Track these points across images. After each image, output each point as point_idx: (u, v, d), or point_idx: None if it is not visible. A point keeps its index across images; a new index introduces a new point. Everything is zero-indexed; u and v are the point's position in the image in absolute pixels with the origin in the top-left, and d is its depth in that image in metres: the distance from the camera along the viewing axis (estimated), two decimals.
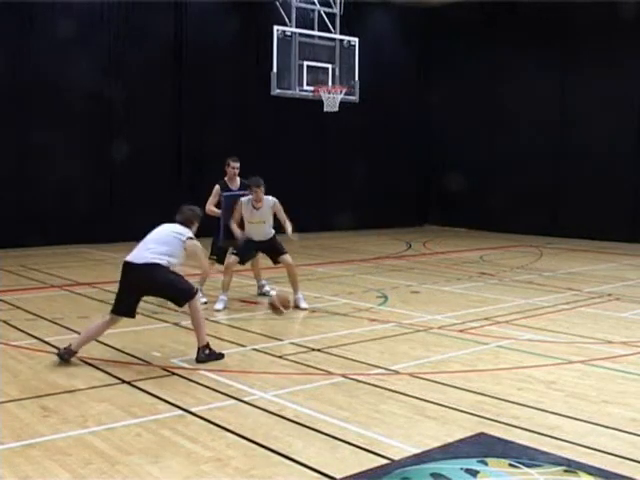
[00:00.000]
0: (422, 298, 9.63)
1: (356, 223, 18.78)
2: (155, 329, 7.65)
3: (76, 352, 6.25)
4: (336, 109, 14.00)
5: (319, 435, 4.63)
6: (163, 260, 6.23)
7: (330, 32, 14.36)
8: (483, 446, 4.42)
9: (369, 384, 5.74)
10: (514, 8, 18.27)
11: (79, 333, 6.69)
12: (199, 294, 9.02)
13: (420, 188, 20.78)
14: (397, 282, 10.81)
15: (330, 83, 13.97)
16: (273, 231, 8.90)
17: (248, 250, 8.82)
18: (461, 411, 5.10)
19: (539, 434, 4.66)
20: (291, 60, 13.47)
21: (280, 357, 6.55)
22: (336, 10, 14.62)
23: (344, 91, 14.00)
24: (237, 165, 9.35)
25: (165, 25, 16.14)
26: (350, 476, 4.01)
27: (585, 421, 4.95)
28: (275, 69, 13.25)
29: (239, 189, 9.29)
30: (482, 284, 10.74)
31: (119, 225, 14.90)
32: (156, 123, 16.03)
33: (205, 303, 8.95)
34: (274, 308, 8.16)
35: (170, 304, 6.83)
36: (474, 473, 4.00)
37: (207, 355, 6.32)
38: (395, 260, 13.52)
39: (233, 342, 7.10)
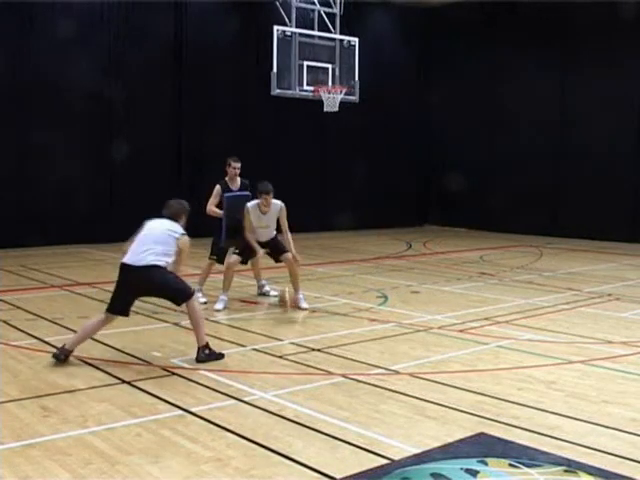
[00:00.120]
0: (422, 298, 9.63)
1: (356, 223, 18.78)
2: (155, 329, 7.65)
3: (71, 351, 6.25)
4: (336, 109, 14.00)
5: (319, 435, 4.63)
6: (161, 262, 6.24)
7: (330, 32, 14.36)
8: (483, 446, 4.42)
9: (369, 384, 5.74)
10: (514, 8, 18.28)
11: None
12: (197, 294, 9.08)
13: (420, 188, 20.78)
14: (397, 282, 10.81)
15: (330, 83, 13.96)
16: (275, 231, 8.89)
17: (249, 250, 8.80)
18: (461, 411, 5.10)
19: (539, 434, 4.66)
20: (291, 60, 13.47)
21: (280, 357, 6.55)
22: (336, 10, 14.62)
23: (344, 91, 14.00)
24: (238, 165, 9.33)
25: (165, 25, 16.15)
26: (350, 476, 4.01)
27: (585, 421, 4.95)
28: (275, 69, 13.25)
29: (239, 189, 9.28)
30: (482, 284, 10.74)
31: (119, 225, 14.83)
32: (156, 123, 16.03)
33: (205, 303, 8.96)
34: (283, 301, 8.36)
35: (169, 303, 6.83)
36: (474, 473, 4.00)
37: (207, 355, 6.32)
38: (395, 260, 13.52)
39: (233, 342, 7.10)
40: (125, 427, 4.74)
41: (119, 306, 6.33)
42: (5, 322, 7.82)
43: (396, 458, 4.25)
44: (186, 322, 7.75)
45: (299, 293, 8.82)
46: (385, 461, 4.21)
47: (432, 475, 3.98)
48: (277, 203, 8.61)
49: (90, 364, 6.24)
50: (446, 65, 20.15)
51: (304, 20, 14.31)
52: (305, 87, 13.67)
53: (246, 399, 5.34)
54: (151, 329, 7.61)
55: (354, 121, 17.97)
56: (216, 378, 5.86)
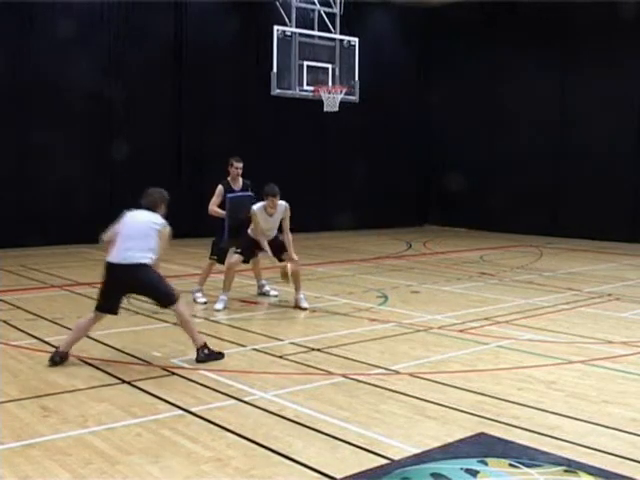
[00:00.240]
0: (422, 298, 9.63)
1: (356, 223, 18.78)
2: (155, 329, 7.65)
3: (67, 352, 6.23)
4: (336, 109, 14.00)
5: (319, 435, 4.63)
6: (147, 259, 6.18)
7: (330, 32, 14.36)
8: (483, 446, 4.42)
9: (369, 384, 5.74)
10: (514, 8, 18.28)
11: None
12: (196, 295, 9.08)
13: (420, 188, 20.78)
14: (397, 282, 10.81)
15: (330, 83, 13.96)
16: (276, 231, 8.89)
17: (251, 249, 8.80)
18: (461, 411, 5.10)
19: (539, 434, 4.66)
20: (291, 60, 13.46)
21: (280, 357, 6.55)
22: (336, 10, 14.62)
23: (344, 91, 14.00)
24: (240, 165, 9.32)
25: (165, 25, 16.15)
26: (350, 476, 4.01)
27: (585, 421, 4.95)
28: (275, 69, 13.25)
29: (241, 190, 9.28)
30: (482, 284, 10.74)
31: None
32: (156, 123, 16.03)
33: (205, 303, 8.96)
34: (285, 275, 8.49)
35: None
36: (474, 473, 4.00)
37: (207, 355, 6.31)
38: (395, 260, 13.52)
39: (233, 342, 7.10)
40: (125, 427, 4.74)
41: (108, 305, 6.29)
42: (5, 322, 7.82)
43: (396, 458, 4.25)
44: None
45: (300, 293, 8.82)
46: (385, 461, 4.21)
47: (432, 475, 3.98)
48: (282, 204, 8.61)
49: (90, 364, 6.24)
50: (446, 65, 20.14)
51: (304, 20, 14.31)
52: (305, 87, 13.67)
53: (246, 399, 5.33)
54: (151, 329, 7.61)
55: (354, 121, 17.97)
56: (216, 378, 5.85)
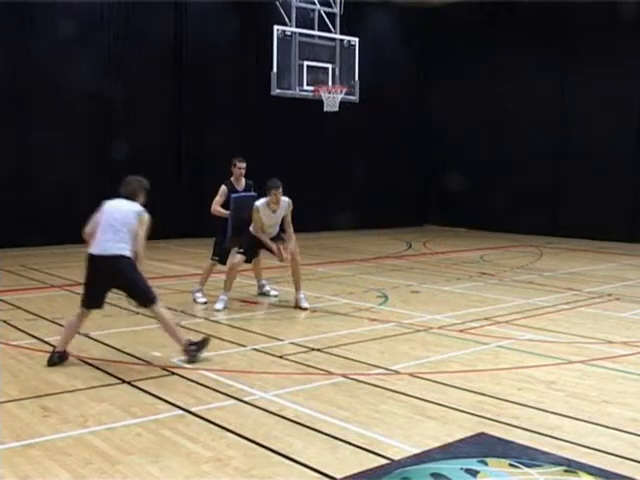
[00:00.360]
0: (422, 298, 9.63)
1: (356, 223, 18.78)
2: (155, 329, 7.62)
3: (64, 351, 6.21)
4: (336, 109, 13.99)
5: (319, 435, 4.63)
6: (127, 250, 6.11)
7: (330, 32, 14.35)
8: (483, 446, 4.42)
9: (369, 384, 5.74)
10: (514, 8, 18.28)
11: (79, 333, 6.67)
12: (196, 295, 9.07)
13: (420, 188, 20.79)
14: (397, 282, 10.81)
15: (330, 83, 13.95)
16: (278, 227, 8.89)
17: (253, 249, 8.80)
18: (461, 411, 5.10)
19: (539, 434, 4.66)
20: (291, 60, 13.46)
21: (280, 357, 6.55)
22: (336, 10, 14.61)
23: (344, 91, 13.99)
24: (243, 165, 9.31)
25: (165, 25, 16.15)
26: (350, 476, 4.01)
27: (585, 421, 4.95)
28: (275, 69, 13.24)
29: (244, 190, 9.27)
30: (482, 284, 10.74)
31: None
32: (156, 123, 16.03)
33: (205, 303, 8.96)
34: (280, 254, 8.60)
35: (169, 303, 6.82)
36: (474, 473, 4.00)
37: (195, 350, 6.24)
38: (395, 260, 13.52)
39: (233, 342, 7.10)
40: (125, 427, 4.74)
41: (93, 300, 6.25)
42: (5, 322, 7.82)
43: (396, 458, 4.25)
44: (185, 322, 7.79)
45: (300, 293, 8.82)
46: (385, 461, 4.21)
47: (432, 475, 3.98)
48: (285, 200, 8.60)
49: (90, 364, 6.24)
50: (446, 65, 20.15)
51: (304, 20, 14.30)
52: (305, 87, 13.66)
53: (246, 399, 5.33)
54: (151, 329, 7.59)
55: (354, 121, 17.98)
56: (216, 378, 5.85)
